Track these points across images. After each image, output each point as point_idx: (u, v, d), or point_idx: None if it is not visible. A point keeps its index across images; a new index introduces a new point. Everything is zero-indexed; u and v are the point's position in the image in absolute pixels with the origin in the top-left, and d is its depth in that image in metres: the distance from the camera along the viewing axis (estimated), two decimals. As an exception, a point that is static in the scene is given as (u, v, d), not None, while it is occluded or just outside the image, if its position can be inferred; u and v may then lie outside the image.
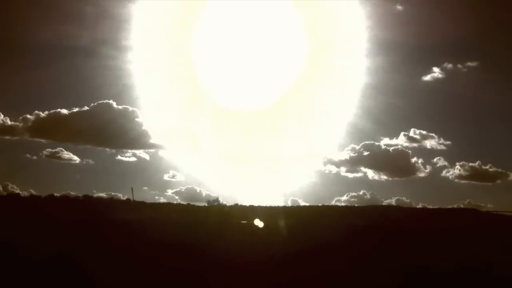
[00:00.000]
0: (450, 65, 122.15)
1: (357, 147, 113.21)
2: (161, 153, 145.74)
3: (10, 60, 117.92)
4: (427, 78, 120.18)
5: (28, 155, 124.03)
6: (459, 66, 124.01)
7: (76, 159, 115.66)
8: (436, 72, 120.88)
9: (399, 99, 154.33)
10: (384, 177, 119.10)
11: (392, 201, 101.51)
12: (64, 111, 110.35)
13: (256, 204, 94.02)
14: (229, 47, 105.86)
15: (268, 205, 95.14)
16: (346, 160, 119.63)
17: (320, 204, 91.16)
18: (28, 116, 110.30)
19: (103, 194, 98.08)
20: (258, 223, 37.68)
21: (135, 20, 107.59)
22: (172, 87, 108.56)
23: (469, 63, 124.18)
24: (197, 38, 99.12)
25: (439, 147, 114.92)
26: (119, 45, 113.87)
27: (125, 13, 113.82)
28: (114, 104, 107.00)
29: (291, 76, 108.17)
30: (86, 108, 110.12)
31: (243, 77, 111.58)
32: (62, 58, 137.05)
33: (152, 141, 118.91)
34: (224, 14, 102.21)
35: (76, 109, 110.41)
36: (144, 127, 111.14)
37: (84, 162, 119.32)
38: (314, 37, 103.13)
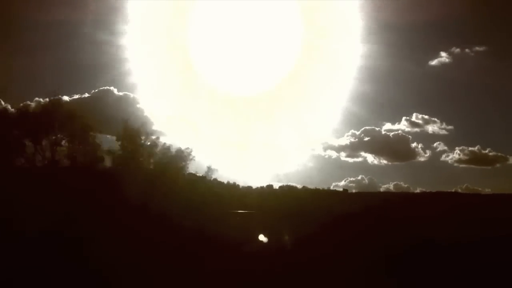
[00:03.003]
0: (457, 50, 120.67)
1: (357, 133, 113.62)
2: (162, 140, 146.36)
3: (10, 47, 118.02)
4: (434, 63, 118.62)
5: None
6: (467, 50, 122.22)
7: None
8: (444, 56, 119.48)
9: (405, 84, 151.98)
10: (384, 161, 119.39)
11: (390, 186, 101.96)
12: (65, 98, 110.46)
13: (253, 187, 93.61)
14: (225, 34, 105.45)
15: (263, 186, 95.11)
16: (346, 145, 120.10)
17: (314, 187, 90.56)
18: (29, 103, 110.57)
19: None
20: (263, 238, 39.20)
21: (134, 7, 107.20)
22: (170, 74, 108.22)
23: (477, 48, 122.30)
24: (193, 26, 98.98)
25: (440, 132, 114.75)
26: (118, 32, 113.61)
27: (124, 1, 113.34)
28: (115, 91, 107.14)
29: (289, 62, 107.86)
30: (87, 94, 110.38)
31: (240, 63, 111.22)
32: (63, 44, 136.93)
33: (154, 128, 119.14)
34: (220, 2, 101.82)
35: (76, 96, 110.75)
36: (145, 114, 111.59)
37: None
38: (310, 24, 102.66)
